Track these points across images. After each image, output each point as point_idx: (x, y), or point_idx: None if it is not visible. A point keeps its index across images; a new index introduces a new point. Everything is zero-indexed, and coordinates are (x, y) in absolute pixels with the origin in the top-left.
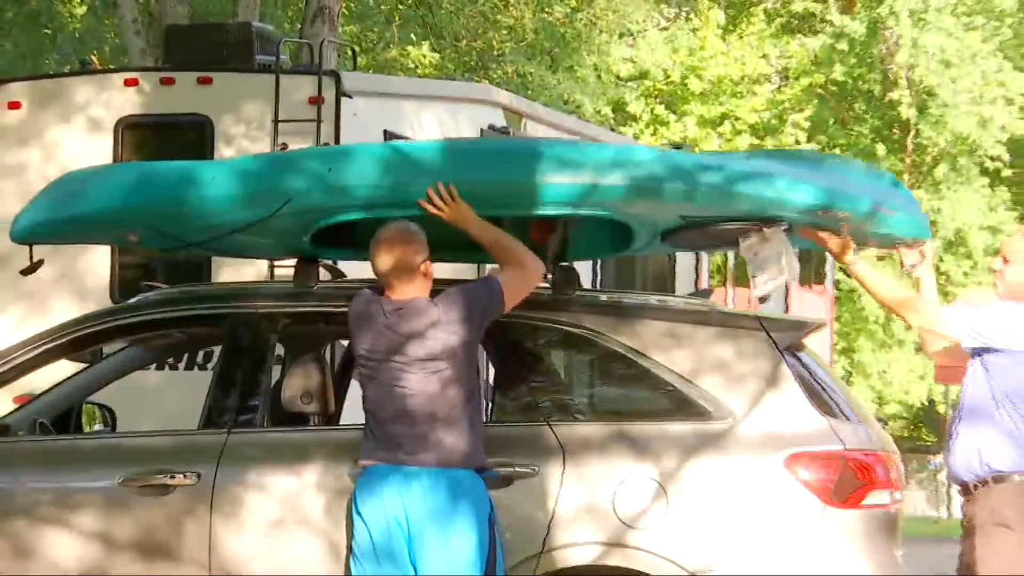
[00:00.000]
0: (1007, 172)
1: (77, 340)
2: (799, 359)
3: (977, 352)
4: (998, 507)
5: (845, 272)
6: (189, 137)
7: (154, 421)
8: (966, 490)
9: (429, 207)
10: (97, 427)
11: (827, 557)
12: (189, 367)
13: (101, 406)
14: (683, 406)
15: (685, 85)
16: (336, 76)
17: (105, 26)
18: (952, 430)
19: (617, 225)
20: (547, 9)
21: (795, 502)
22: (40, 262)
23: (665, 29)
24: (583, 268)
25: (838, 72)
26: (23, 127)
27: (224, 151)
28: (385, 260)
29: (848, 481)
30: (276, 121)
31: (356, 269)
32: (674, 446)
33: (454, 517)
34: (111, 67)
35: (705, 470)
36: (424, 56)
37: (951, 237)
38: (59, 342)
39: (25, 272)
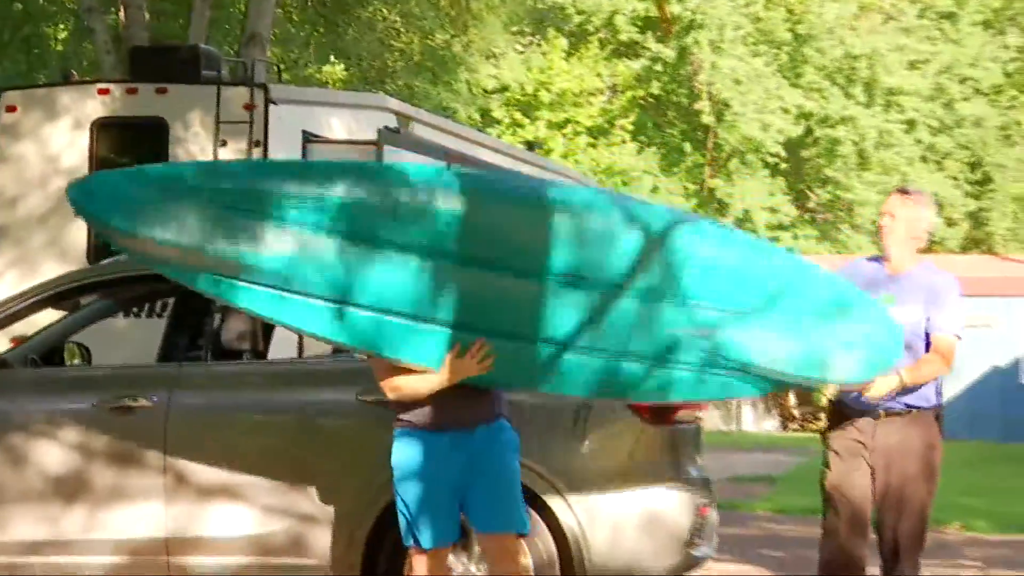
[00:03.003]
0: (783, 166)
1: (61, 293)
2: None
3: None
4: None
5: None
6: (149, 135)
7: (121, 357)
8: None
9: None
10: (76, 362)
11: (648, 462)
12: (149, 315)
13: (80, 345)
14: None
15: (537, 96)
16: (265, 88)
17: (83, 47)
18: None
19: None
20: (430, 37)
21: (623, 421)
22: None
23: (522, 52)
24: None
25: (655, 87)
26: (19, 126)
27: (177, 147)
28: None
29: (662, 405)
30: (218, 123)
31: None
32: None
33: None
34: (88, 79)
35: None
36: (334, 72)
37: (740, 216)
38: (46, 295)
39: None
